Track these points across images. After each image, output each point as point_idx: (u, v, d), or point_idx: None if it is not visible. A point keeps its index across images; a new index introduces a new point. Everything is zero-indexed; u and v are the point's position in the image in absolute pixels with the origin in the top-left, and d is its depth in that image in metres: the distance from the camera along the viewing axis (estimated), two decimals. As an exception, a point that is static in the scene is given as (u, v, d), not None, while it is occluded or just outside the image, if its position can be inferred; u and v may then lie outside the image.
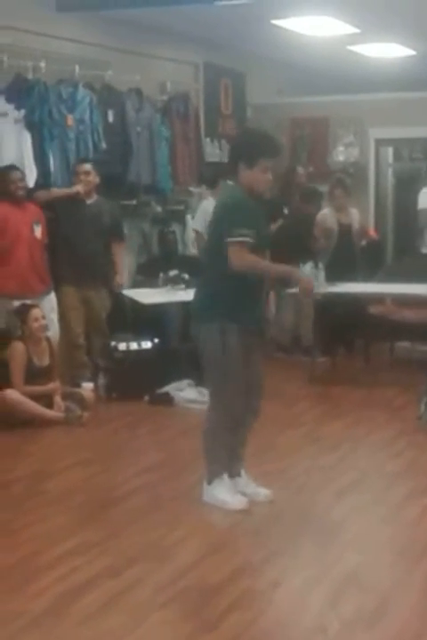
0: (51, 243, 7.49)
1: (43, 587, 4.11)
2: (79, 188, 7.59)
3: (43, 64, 7.73)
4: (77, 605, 3.93)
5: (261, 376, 5.12)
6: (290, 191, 9.91)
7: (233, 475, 5.12)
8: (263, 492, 5.15)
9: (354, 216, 9.52)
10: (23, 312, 6.94)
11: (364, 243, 9.71)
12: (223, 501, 4.99)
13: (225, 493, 5.01)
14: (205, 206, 9.40)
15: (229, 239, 4.78)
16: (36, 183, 7.61)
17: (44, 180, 7.72)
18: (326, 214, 9.37)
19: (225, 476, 5.06)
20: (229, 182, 5.06)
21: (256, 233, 4.82)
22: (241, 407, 4.98)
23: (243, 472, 5.16)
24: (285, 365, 8.76)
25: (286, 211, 9.75)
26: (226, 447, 5.05)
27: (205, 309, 5.04)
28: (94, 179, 7.73)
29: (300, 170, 10.32)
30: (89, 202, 7.69)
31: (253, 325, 4.98)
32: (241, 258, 4.77)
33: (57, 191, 7.63)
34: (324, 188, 9.97)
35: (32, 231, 7.32)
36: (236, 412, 4.98)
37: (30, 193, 7.48)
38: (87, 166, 7.72)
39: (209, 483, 5.05)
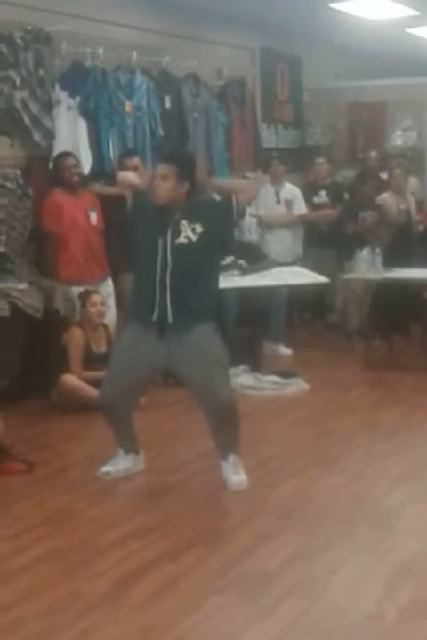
0: (108, 230, 7.53)
1: (102, 570, 4.17)
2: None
3: (101, 51, 7.79)
4: (136, 589, 3.98)
5: (201, 381, 5.12)
6: (364, 177, 9.85)
7: (129, 450, 5.46)
8: (137, 467, 5.48)
9: (411, 201, 9.47)
10: (83, 297, 7.02)
11: (421, 228, 9.65)
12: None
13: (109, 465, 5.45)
14: (264, 192, 9.43)
15: None
16: (92, 170, 7.67)
17: (100, 166, 7.78)
18: (385, 198, 9.31)
19: (120, 452, 5.46)
20: None
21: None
22: (109, 394, 5.30)
23: (140, 455, 5.53)
24: (340, 351, 8.73)
25: (346, 196, 9.70)
26: (110, 426, 5.44)
27: None
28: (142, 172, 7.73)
29: (373, 154, 10.24)
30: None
31: (147, 314, 5.07)
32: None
33: (109, 190, 7.60)
34: (383, 174, 9.95)
35: (87, 218, 7.38)
36: (102, 395, 5.38)
37: (86, 180, 7.54)
38: (136, 160, 7.68)
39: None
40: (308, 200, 9.51)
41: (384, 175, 9.99)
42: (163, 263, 4.99)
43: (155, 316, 5.03)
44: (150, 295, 5.03)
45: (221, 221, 5.16)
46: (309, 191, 9.61)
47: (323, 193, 9.63)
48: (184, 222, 5.04)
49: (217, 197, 5.41)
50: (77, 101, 7.61)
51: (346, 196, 9.69)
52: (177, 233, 5.01)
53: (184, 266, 4.99)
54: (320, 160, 9.89)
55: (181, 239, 5.00)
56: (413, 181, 9.88)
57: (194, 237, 5.01)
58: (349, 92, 11.00)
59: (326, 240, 9.34)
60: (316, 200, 9.58)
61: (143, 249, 5.12)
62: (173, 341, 5.05)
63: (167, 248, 4.99)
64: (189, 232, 5.02)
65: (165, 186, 5.01)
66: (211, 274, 5.16)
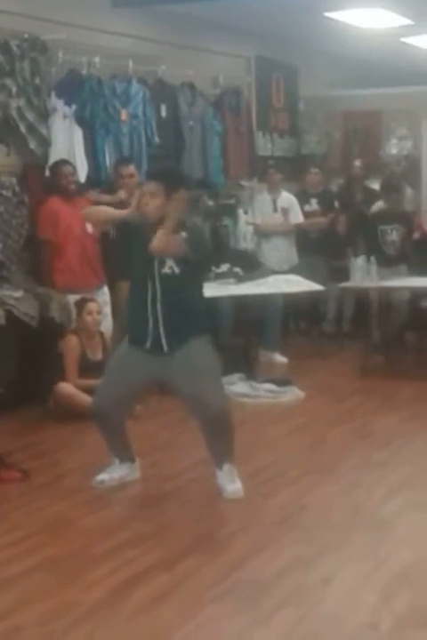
0: (104, 238, 7.52)
1: (97, 578, 4.16)
2: (122, 194, 7.56)
3: (97, 59, 7.81)
4: (131, 597, 3.97)
5: (192, 392, 5.13)
6: (349, 185, 9.88)
7: (124, 459, 5.46)
8: (133, 476, 5.48)
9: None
10: (79, 305, 7.02)
11: (417, 236, 9.66)
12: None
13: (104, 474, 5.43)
14: (261, 200, 9.45)
15: None
16: (88, 178, 7.68)
17: (96, 174, 7.78)
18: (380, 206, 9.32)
19: (115, 461, 5.45)
20: None
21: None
22: (102, 403, 5.30)
23: (136, 463, 5.53)
24: (335, 359, 8.74)
25: (336, 204, 9.72)
26: (103, 436, 5.42)
27: None
28: (137, 180, 7.74)
29: (357, 163, 10.26)
30: (131, 200, 7.62)
31: (141, 342, 5.11)
32: None
33: (105, 198, 7.62)
34: (377, 182, 9.97)
35: (84, 225, 7.38)
36: (95, 403, 5.39)
37: (82, 188, 7.54)
38: (132, 168, 7.73)
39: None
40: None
41: (375, 185, 10.01)
42: (153, 293, 5.04)
43: (149, 344, 5.09)
44: (143, 324, 5.08)
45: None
46: (300, 199, 9.61)
47: (314, 201, 9.65)
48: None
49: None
50: (73, 110, 7.62)
51: (336, 204, 9.70)
52: (162, 262, 5.03)
53: (173, 294, 5.02)
54: (314, 170, 9.91)
55: (166, 269, 5.03)
56: (408, 191, 9.91)
57: (177, 270, 5.03)
58: (344, 100, 11.03)
59: (317, 248, 9.37)
60: (307, 208, 9.60)
61: (135, 275, 5.17)
62: (167, 356, 5.10)
63: (155, 278, 5.02)
64: (172, 263, 5.02)
65: (155, 203, 5.02)
66: (197, 292, 5.20)
